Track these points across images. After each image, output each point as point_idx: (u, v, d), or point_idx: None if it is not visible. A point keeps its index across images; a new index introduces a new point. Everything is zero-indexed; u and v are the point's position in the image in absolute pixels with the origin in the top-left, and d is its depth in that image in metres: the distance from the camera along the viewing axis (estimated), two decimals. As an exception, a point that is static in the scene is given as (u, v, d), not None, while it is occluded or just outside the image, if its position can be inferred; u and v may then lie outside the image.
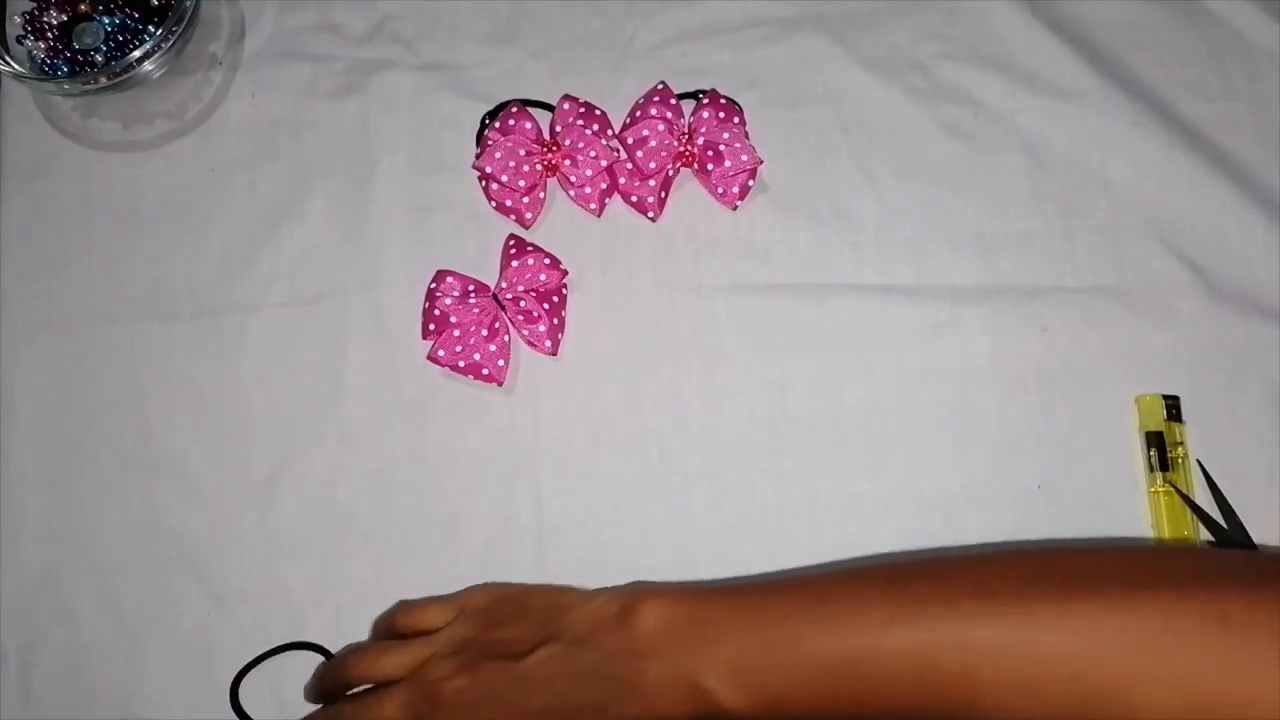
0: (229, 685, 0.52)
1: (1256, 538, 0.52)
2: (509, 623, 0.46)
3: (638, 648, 0.41)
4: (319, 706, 0.51)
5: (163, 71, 0.62)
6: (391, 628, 0.51)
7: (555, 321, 0.56)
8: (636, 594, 0.43)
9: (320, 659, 0.52)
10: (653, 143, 0.57)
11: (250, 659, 0.53)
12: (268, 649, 0.53)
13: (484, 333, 0.55)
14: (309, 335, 0.58)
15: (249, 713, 0.52)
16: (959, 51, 0.62)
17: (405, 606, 0.52)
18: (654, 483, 0.55)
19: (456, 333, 0.55)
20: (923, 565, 0.41)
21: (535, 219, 0.59)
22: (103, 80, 0.60)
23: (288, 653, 0.53)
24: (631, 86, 0.61)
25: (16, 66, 0.61)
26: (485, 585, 0.52)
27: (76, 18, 0.63)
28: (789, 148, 0.60)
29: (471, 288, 0.56)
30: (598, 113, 0.59)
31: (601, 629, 0.43)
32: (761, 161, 0.58)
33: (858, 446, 0.55)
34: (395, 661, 0.47)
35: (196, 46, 0.63)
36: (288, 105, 0.63)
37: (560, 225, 0.59)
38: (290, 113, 0.62)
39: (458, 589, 0.52)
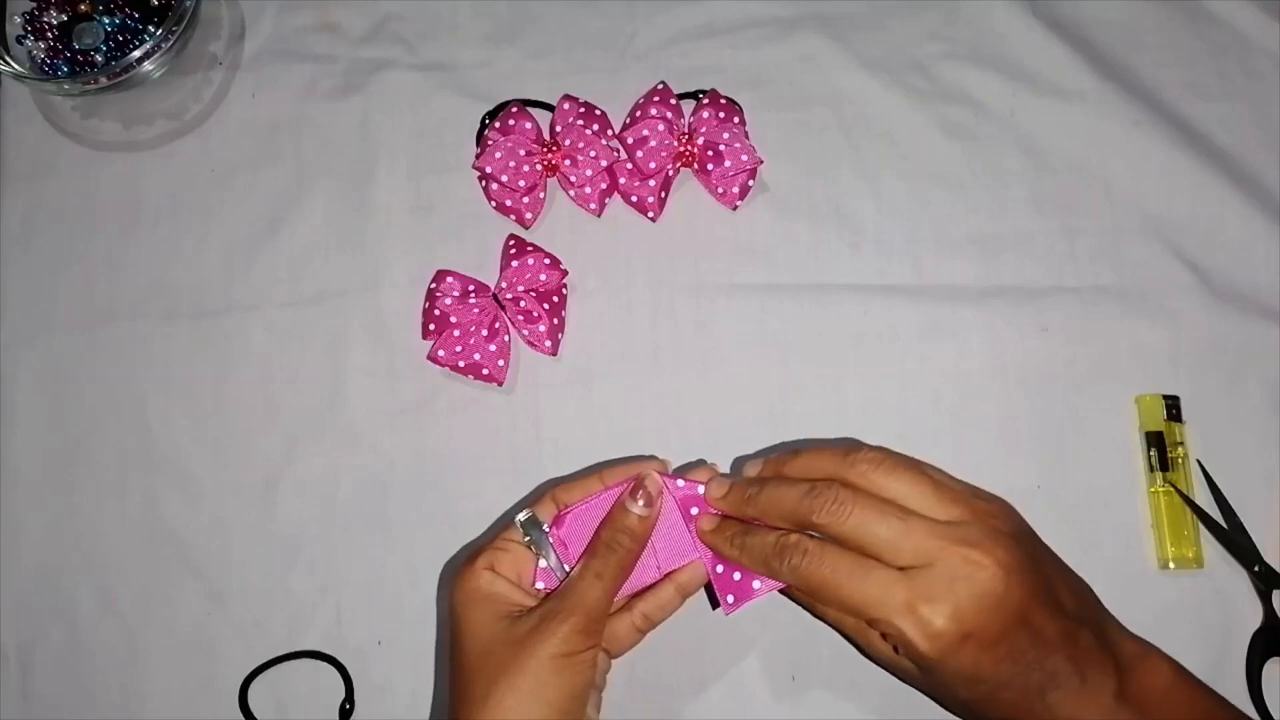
0: (236, 686, 0.52)
1: (1256, 538, 0.52)
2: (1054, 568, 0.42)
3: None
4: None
5: (163, 71, 0.62)
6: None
7: (555, 321, 0.56)
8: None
9: (330, 668, 0.53)
10: (653, 143, 0.57)
11: (249, 658, 0.53)
12: (278, 654, 0.53)
13: (484, 333, 0.55)
14: (309, 335, 0.58)
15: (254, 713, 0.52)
16: (959, 52, 0.62)
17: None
18: (654, 483, 0.55)
19: (456, 333, 0.55)
20: None
21: (535, 219, 0.59)
22: (103, 80, 0.60)
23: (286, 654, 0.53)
24: (631, 86, 0.61)
25: (16, 66, 0.61)
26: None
27: (76, 18, 0.63)
28: (789, 148, 0.60)
29: (471, 288, 0.56)
30: (598, 113, 0.59)
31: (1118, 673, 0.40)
32: (761, 161, 0.58)
33: (858, 446, 0.55)
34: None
35: (196, 46, 0.63)
36: (288, 105, 0.63)
37: (560, 225, 0.59)
38: (290, 113, 0.62)
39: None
